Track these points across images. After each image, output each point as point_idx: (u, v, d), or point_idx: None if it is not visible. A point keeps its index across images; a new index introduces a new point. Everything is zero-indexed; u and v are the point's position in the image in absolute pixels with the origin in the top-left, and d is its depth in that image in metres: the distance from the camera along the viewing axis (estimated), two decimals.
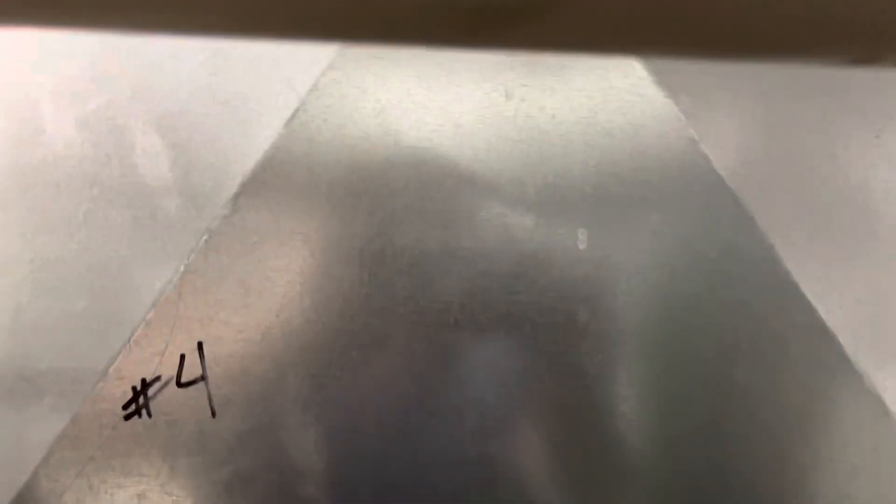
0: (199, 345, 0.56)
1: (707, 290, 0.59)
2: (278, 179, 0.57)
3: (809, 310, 0.59)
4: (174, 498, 0.56)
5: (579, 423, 0.59)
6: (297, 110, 0.57)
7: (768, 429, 0.60)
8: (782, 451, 0.60)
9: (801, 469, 0.60)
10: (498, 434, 0.59)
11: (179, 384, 0.56)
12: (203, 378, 0.56)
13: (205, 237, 0.56)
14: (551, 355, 0.59)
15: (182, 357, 0.56)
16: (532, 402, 0.59)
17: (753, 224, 0.59)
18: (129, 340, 0.56)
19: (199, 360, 0.56)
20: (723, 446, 0.60)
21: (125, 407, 0.56)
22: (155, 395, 0.56)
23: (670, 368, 0.59)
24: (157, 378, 0.56)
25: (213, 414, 0.56)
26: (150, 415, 0.56)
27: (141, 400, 0.56)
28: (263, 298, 0.57)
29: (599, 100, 0.59)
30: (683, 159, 0.59)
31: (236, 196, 0.57)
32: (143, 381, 0.56)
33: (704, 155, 0.59)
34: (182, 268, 0.56)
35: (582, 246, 0.59)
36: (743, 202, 0.59)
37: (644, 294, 0.59)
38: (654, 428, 0.59)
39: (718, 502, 0.60)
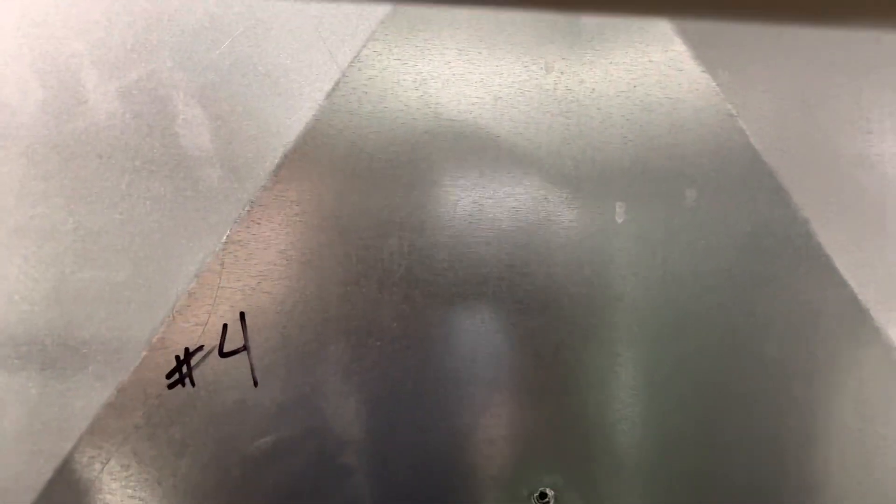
0: (242, 315, 0.57)
1: (741, 264, 0.60)
2: (319, 151, 0.57)
3: (842, 284, 0.60)
4: (217, 464, 0.57)
5: (614, 393, 0.60)
6: (338, 82, 0.57)
7: (799, 401, 0.61)
8: (812, 424, 0.61)
9: (829, 440, 0.61)
10: (534, 405, 0.59)
11: (222, 354, 0.57)
12: (245, 348, 0.57)
13: (247, 208, 0.57)
14: (587, 328, 0.59)
15: (224, 327, 0.57)
16: (567, 373, 0.59)
17: (788, 199, 0.60)
18: (172, 310, 0.56)
19: (241, 330, 0.57)
20: (753, 419, 0.61)
21: (169, 376, 0.56)
22: (198, 364, 0.56)
23: (704, 342, 0.60)
24: (200, 348, 0.56)
25: (255, 383, 0.57)
26: (193, 384, 0.56)
27: (184, 369, 0.56)
28: (305, 270, 0.57)
29: (638, 74, 0.59)
30: (720, 134, 0.60)
31: (278, 168, 0.57)
32: (187, 350, 0.56)
33: (741, 129, 0.60)
34: (224, 238, 0.57)
35: (619, 219, 0.59)
36: (778, 177, 0.60)
37: (679, 268, 0.60)
38: (687, 400, 0.60)
39: (747, 474, 0.61)
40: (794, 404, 0.61)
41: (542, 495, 0.60)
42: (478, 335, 0.59)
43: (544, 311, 0.59)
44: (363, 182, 0.57)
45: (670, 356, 0.60)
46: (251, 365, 0.57)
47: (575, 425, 0.59)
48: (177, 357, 0.56)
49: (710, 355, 0.60)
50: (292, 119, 0.57)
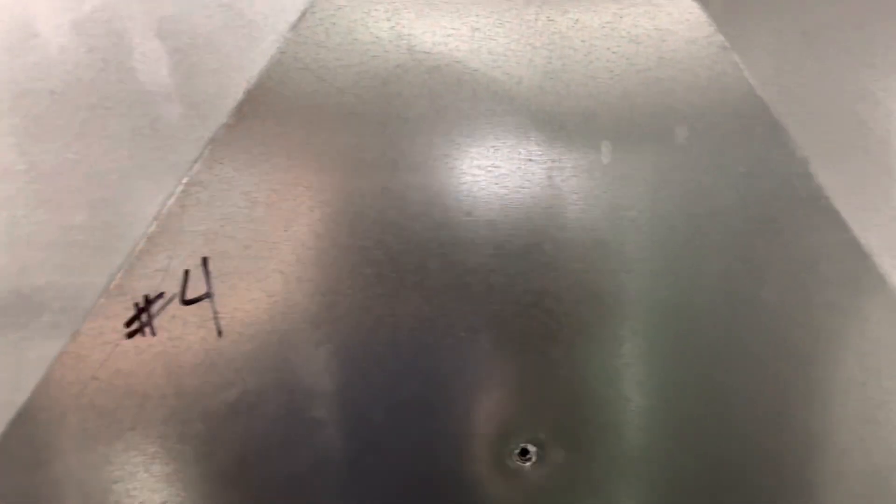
0: (204, 260, 0.54)
1: (736, 206, 0.57)
2: (285, 87, 0.54)
3: (843, 227, 0.57)
4: (179, 419, 0.54)
5: (599, 342, 0.56)
6: (304, 13, 0.54)
7: (797, 351, 0.57)
8: (812, 374, 0.57)
9: (829, 393, 0.58)
10: (515, 356, 0.56)
11: (184, 301, 0.54)
12: (208, 295, 0.54)
13: (208, 147, 0.54)
14: (571, 274, 0.56)
15: (186, 273, 0.54)
16: (550, 322, 0.56)
17: (786, 137, 0.56)
18: (131, 255, 0.53)
19: (204, 277, 0.54)
20: (749, 368, 0.57)
21: (128, 324, 0.53)
22: (158, 312, 0.53)
23: (696, 288, 0.57)
24: (161, 295, 0.53)
25: (220, 333, 0.54)
26: (153, 333, 0.53)
27: (144, 317, 0.53)
28: (270, 212, 0.54)
29: (625, 3, 0.56)
30: (713, 68, 0.56)
31: (241, 104, 0.54)
32: (146, 297, 0.53)
33: (735, 63, 0.56)
34: (185, 179, 0.53)
35: (605, 160, 0.56)
36: (775, 114, 0.56)
37: (669, 210, 0.56)
38: (678, 348, 0.57)
39: (743, 425, 0.58)
40: (793, 355, 0.57)
41: (524, 452, 0.57)
42: (455, 282, 0.56)
43: (526, 257, 0.56)
44: (332, 119, 0.54)
45: (660, 303, 0.56)
46: (215, 313, 0.54)
47: (559, 376, 0.56)
48: (136, 304, 0.53)
49: (703, 302, 0.57)
50: (255, 52, 0.54)
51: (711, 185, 0.56)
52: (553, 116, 0.55)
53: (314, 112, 0.54)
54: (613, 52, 0.56)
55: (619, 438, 0.57)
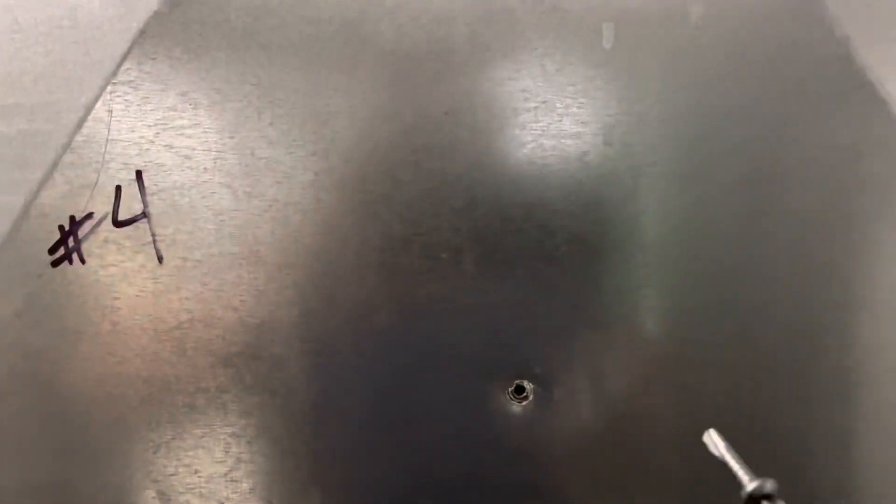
0: (138, 174, 0.46)
1: (760, 97, 0.48)
2: None
3: (888, 118, 0.48)
4: (116, 358, 0.47)
5: (606, 257, 0.48)
6: None
7: (832, 265, 0.49)
8: (853, 294, 0.49)
9: (871, 316, 0.50)
10: (509, 275, 0.48)
11: (116, 222, 0.46)
12: (144, 215, 0.46)
13: (138, 40, 0.45)
14: (571, 182, 0.48)
15: (118, 189, 0.46)
16: (545, 238, 0.48)
17: (823, 10, 0.47)
18: (52, 170, 0.45)
19: (138, 193, 0.46)
20: (774, 288, 0.49)
21: (52, 251, 0.46)
22: (87, 236, 0.46)
23: (711, 194, 0.48)
24: (89, 216, 0.46)
25: (160, 259, 0.46)
26: (82, 260, 0.46)
27: (71, 242, 0.46)
28: (214, 115, 0.46)
29: None
30: None
31: None
32: (72, 219, 0.46)
33: None
34: (112, 79, 0.46)
35: (606, 44, 0.47)
36: None
37: (682, 104, 0.48)
38: (692, 262, 0.49)
39: (766, 354, 0.50)
40: (833, 269, 0.49)
41: (519, 389, 0.49)
42: (447, 191, 0.48)
43: (513, 163, 0.47)
44: (279, 3, 0.46)
45: (672, 212, 0.48)
46: (153, 235, 0.46)
47: (558, 298, 0.48)
48: (60, 227, 0.46)
49: (720, 212, 0.48)
50: None
51: (731, 74, 0.48)
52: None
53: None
54: None
55: (626, 372, 0.49)
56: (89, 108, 0.45)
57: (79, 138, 0.46)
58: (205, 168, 0.46)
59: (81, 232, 0.46)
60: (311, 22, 0.46)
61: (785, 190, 0.49)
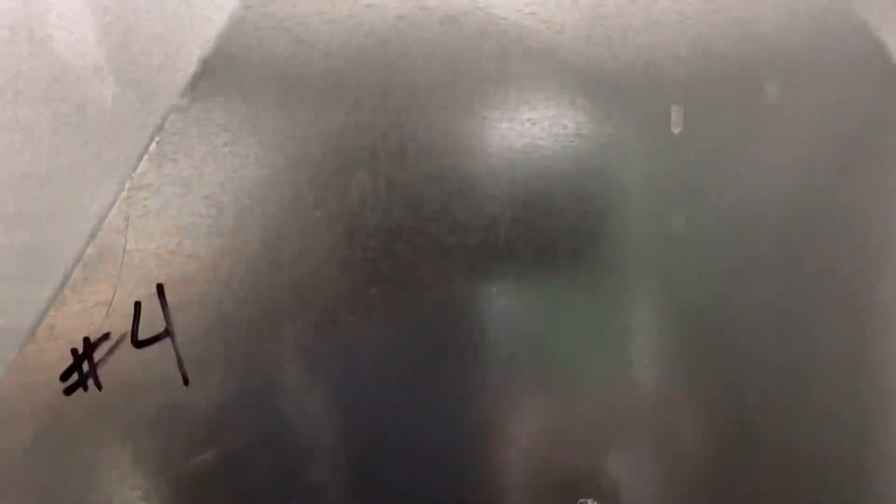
0: (160, 288, 0.41)
1: (846, 179, 0.44)
2: (252, 53, 0.41)
3: None
4: (139, 493, 0.42)
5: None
6: None
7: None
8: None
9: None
10: (572, 396, 0.44)
11: (136, 343, 0.41)
12: (168, 333, 0.41)
13: (156, 139, 0.40)
14: (631, 278, 0.43)
15: (137, 306, 0.41)
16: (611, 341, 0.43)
17: None
18: (63, 287, 0.40)
19: (160, 310, 0.41)
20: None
21: (64, 377, 0.41)
22: (104, 359, 0.41)
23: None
24: (106, 336, 0.41)
25: (186, 381, 0.41)
26: (99, 386, 0.41)
27: (85, 367, 0.41)
28: (241, 219, 0.41)
29: None
30: (814, 2, 0.43)
31: (195, 79, 0.40)
32: (87, 340, 0.41)
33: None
34: (128, 183, 0.40)
35: (675, 128, 0.43)
36: None
37: (757, 192, 0.43)
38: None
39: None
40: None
41: None
42: (488, 301, 0.43)
43: (577, 260, 0.43)
44: (316, 93, 0.41)
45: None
46: (178, 356, 0.41)
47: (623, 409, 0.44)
48: (73, 351, 0.41)
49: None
50: (212, 8, 0.40)
51: (812, 156, 0.43)
52: (606, 76, 0.42)
53: (292, 84, 0.41)
54: None
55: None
56: (102, 217, 0.40)
57: (91, 250, 0.40)
58: (234, 280, 0.41)
59: (97, 355, 0.41)
60: (346, 112, 0.41)
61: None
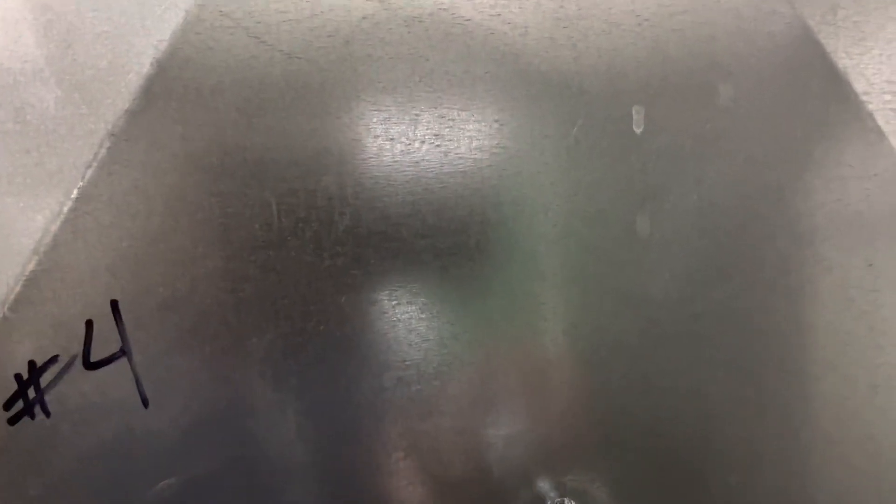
0: (114, 304, 0.38)
1: (797, 182, 0.45)
2: (209, 54, 0.39)
3: None
4: None
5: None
6: None
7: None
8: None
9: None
10: (544, 406, 0.44)
11: (88, 364, 0.38)
12: (124, 353, 0.38)
13: (105, 145, 0.38)
14: (607, 281, 0.44)
15: (89, 324, 0.38)
16: (578, 353, 0.44)
17: (849, 90, 0.45)
18: (3, 307, 0.37)
19: (114, 328, 0.38)
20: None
21: (8, 405, 0.37)
22: (53, 383, 0.38)
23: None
24: (54, 359, 0.38)
25: (145, 403, 0.39)
26: (47, 413, 0.38)
27: (31, 393, 0.37)
28: (203, 230, 0.39)
29: None
30: (760, 6, 0.44)
31: (147, 81, 0.38)
32: (32, 364, 0.37)
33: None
34: (74, 193, 0.38)
35: (637, 128, 0.44)
36: (837, 60, 0.45)
37: (715, 193, 0.45)
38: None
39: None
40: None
41: None
42: (459, 308, 0.42)
43: (543, 260, 0.43)
44: (278, 97, 0.39)
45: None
46: (136, 376, 0.39)
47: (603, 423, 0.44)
48: (17, 376, 0.37)
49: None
50: (165, 6, 0.38)
51: (765, 156, 0.45)
52: (569, 76, 0.43)
53: (251, 87, 0.39)
54: None
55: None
56: (47, 229, 0.37)
57: (35, 266, 0.37)
58: (191, 292, 0.39)
59: (45, 380, 0.37)
60: (308, 115, 0.40)
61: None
